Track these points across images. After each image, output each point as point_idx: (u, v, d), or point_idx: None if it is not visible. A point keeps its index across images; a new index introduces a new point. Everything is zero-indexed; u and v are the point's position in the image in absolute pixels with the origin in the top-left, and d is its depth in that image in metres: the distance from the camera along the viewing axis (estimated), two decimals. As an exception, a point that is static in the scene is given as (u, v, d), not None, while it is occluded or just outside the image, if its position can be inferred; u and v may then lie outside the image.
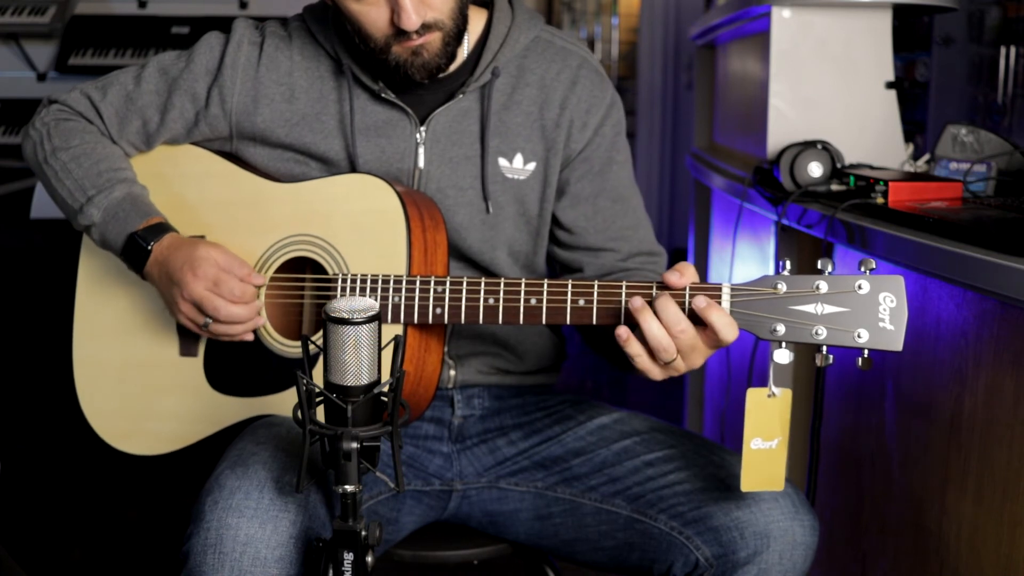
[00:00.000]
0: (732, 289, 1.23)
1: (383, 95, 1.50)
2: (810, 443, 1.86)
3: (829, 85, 2.07)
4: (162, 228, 1.47)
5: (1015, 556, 1.37)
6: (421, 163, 1.51)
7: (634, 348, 1.23)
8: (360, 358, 1.11)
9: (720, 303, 1.22)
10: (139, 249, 1.46)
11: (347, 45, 1.52)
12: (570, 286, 1.30)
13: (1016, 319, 1.35)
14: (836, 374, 1.93)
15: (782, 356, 1.21)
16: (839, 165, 1.85)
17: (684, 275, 1.24)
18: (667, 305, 1.22)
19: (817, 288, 1.19)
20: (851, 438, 1.88)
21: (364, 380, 1.12)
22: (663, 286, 1.25)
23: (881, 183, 1.66)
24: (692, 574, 1.39)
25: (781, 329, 1.20)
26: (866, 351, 1.19)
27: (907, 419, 1.66)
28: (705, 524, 1.37)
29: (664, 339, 1.21)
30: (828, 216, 1.68)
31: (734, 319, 1.21)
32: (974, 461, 1.47)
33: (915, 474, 1.63)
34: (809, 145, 1.86)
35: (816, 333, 1.19)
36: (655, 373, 1.25)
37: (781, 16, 2.07)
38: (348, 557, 1.15)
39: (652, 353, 1.23)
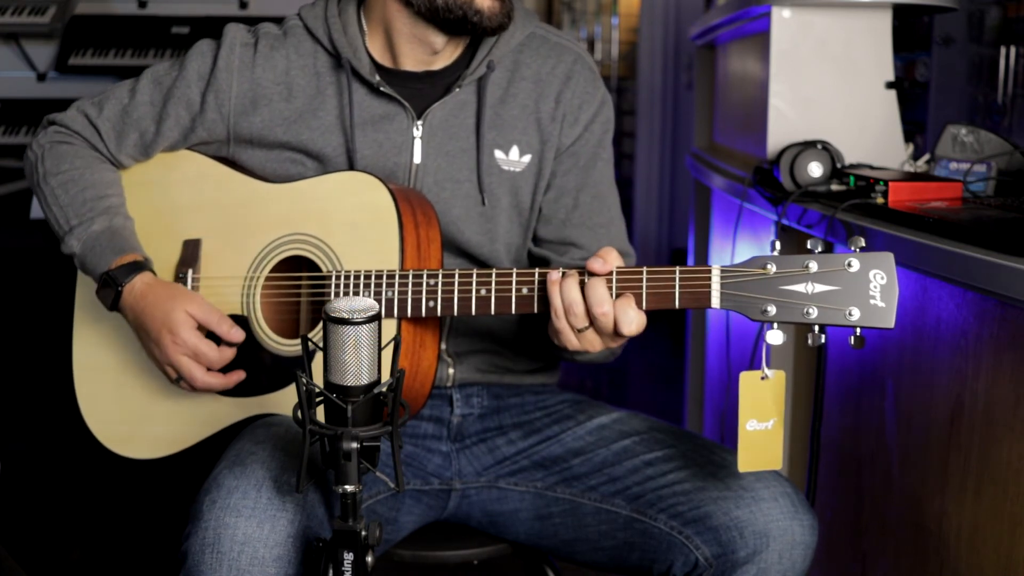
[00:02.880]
0: (722, 271, 1.23)
1: (381, 89, 1.50)
2: (810, 443, 1.86)
3: (829, 85, 2.07)
4: (134, 267, 1.47)
5: (1015, 556, 1.37)
6: (418, 157, 1.52)
7: (555, 300, 1.27)
8: (360, 358, 1.11)
9: (710, 284, 1.23)
10: (110, 289, 1.47)
11: (350, 38, 1.52)
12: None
13: (1016, 319, 1.35)
14: (836, 374, 1.93)
15: (775, 337, 1.21)
16: (839, 165, 1.85)
17: (607, 261, 1.26)
18: (596, 285, 1.25)
19: (807, 267, 1.19)
20: (851, 438, 1.88)
21: (364, 380, 1.12)
22: (654, 272, 1.25)
23: (881, 183, 1.66)
24: (692, 574, 1.39)
25: (772, 310, 1.20)
26: (858, 329, 1.19)
27: (907, 419, 1.66)
28: (705, 524, 1.37)
29: (577, 301, 1.25)
30: (828, 216, 1.68)
31: (644, 314, 1.25)
32: (974, 461, 1.46)
33: (915, 474, 1.63)
34: (809, 145, 1.86)
35: (807, 312, 1.19)
36: (570, 336, 1.28)
37: (781, 16, 2.07)
38: (348, 557, 1.15)
39: (567, 313, 1.27)
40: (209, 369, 1.46)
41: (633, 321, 1.24)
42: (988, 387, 1.42)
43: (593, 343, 1.29)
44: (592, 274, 1.26)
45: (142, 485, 2.95)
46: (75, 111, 1.60)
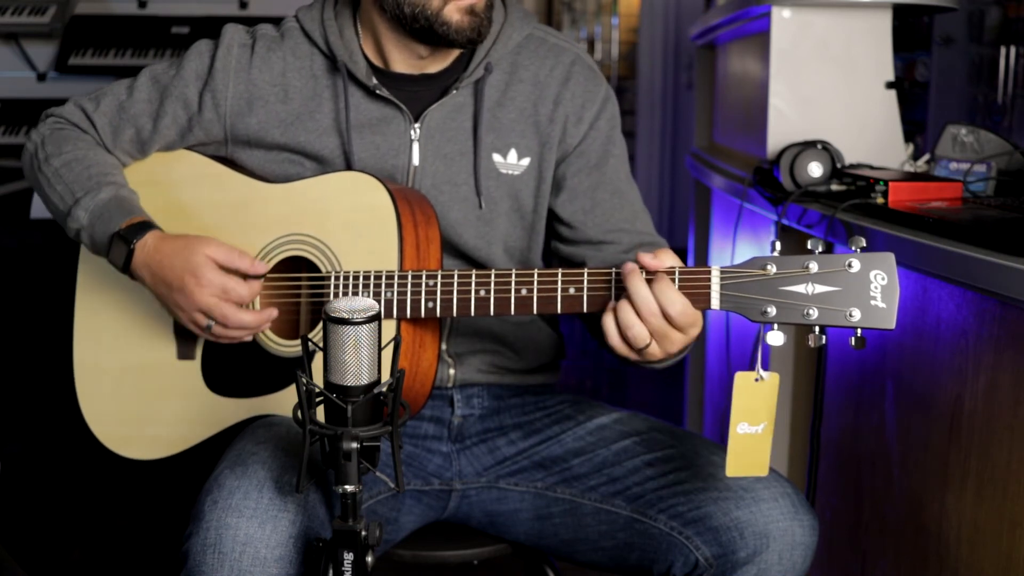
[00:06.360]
0: (721, 272, 1.22)
1: (378, 92, 1.50)
2: (810, 443, 1.86)
3: (829, 85, 2.07)
4: (144, 226, 1.46)
5: (1015, 556, 1.37)
6: (415, 160, 1.52)
7: (608, 324, 1.25)
8: (360, 358, 1.11)
9: (710, 285, 1.22)
10: (122, 249, 1.45)
11: (346, 41, 1.52)
12: (560, 275, 1.30)
13: (1016, 319, 1.35)
14: (836, 374, 1.93)
15: (775, 338, 1.21)
16: (839, 165, 1.85)
17: (658, 256, 1.24)
18: (637, 287, 1.22)
19: (807, 268, 1.19)
20: (851, 438, 1.88)
21: (364, 380, 1.12)
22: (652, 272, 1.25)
23: (881, 183, 1.66)
24: (692, 574, 1.39)
25: (772, 311, 1.20)
26: (859, 330, 1.19)
27: (907, 419, 1.66)
28: (705, 524, 1.37)
29: (634, 321, 1.23)
30: (828, 216, 1.68)
31: (689, 301, 1.22)
32: (974, 461, 1.46)
33: (915, 474, 1.63)
34: (809, 145, 1.86)
35: (808, 313, 1.19)
36: (629, 354, 1.27)
37: (781, 16, 2.07)
38: (348, 557, 1.15)
39: (623, 333, 1.24)
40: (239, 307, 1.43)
41: (676, 302, 1.21)
42: (988, 387, 1.42)
43: (655, 354, 1.26)
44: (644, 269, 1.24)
45: (142, 485, 2.95)
46: (72, 105, 1.60)
